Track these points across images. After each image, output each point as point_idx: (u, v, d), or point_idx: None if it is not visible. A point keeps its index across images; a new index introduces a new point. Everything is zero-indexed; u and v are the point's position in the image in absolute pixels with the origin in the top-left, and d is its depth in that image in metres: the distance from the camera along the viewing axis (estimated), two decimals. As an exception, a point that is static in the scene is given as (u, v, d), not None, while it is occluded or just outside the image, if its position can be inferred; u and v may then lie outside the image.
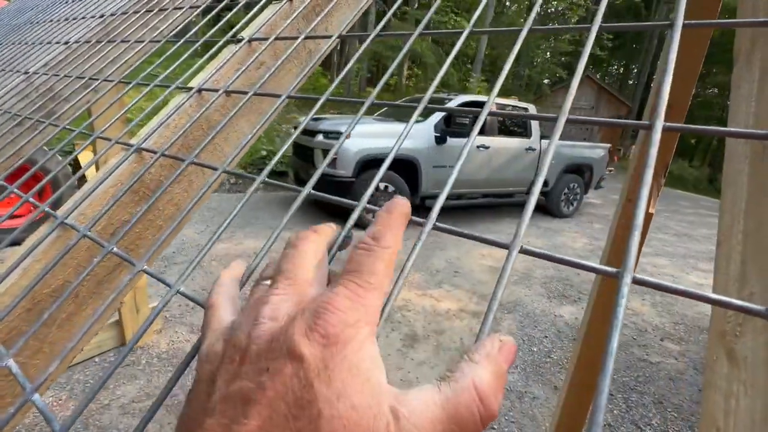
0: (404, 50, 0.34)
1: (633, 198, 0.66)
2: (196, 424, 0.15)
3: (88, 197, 0.39)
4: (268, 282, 0.19)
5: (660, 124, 0.21)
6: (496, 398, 0.15)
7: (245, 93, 0.41)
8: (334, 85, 0.36)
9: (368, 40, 0.37)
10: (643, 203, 0.18)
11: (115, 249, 0.32)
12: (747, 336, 0.23)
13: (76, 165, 3.38)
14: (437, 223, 0.22)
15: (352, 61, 0.38)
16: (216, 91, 0.43)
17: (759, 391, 0.20)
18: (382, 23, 0.37)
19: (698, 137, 20.94)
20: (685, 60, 0.50)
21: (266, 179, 0.30)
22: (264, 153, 5.96)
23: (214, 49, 0.51)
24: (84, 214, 0.39)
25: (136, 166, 0.42)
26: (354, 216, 0.23)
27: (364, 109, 0.32)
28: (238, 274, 0.23)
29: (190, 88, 0.46)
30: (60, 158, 3.01)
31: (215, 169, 0.34)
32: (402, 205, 0.21)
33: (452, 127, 4.40)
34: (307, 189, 0.28)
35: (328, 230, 0.23)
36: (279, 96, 0.38)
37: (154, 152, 0.39)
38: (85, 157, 3.17)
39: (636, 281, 0.17)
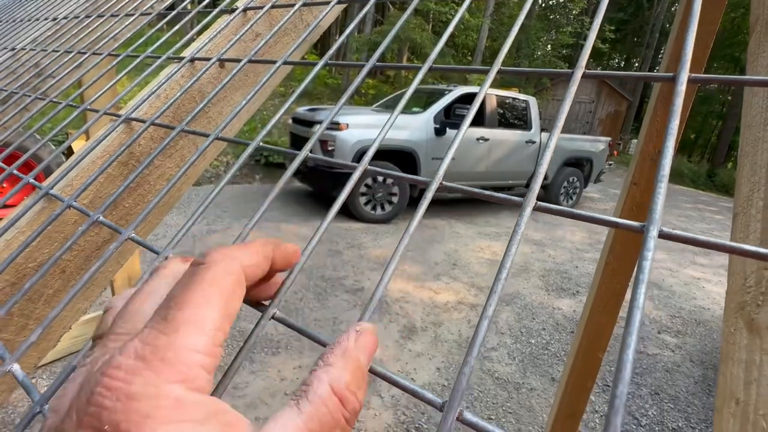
0: (398, 26, 0.32)
1: (639, 182, 0.65)
2: None
3: (74, 168, 0.37)
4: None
5: (685, 75, 0.20)
6: (357, 396, 0.14)
7: (239, 61, 0.39)
8: (332, 49, 0.34)
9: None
10: (669, 153, 0.17)
11: (101, 218, 0.30)
12: (771, 304, 0.21)
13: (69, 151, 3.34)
14: (444, 182, 0.21)
15: (356, 20, 0.36)
16: (209, 59, 0.41)
17: (788, 359, 0.18)
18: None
19: (698, 133, 20.93)
20: (702, 18, 0.49)
21: (260, 143, 0.28)
22: (261, 143, 5.91)
23: (208, 19, 0.49)
24: (71, 186, 0.37)
25: (125, 137, 0.40)
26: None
27: (366, 69, 0.30)
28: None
29: (182, 58, 0.44)
30: (39, 137, 2.95)
31: (206, 135, 0.32)
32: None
33: (451, 118, 4.36)
34: (304, 152, 0.26)
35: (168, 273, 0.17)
36: (274, 62, 0.36)
37: (144, 122, 0.37)
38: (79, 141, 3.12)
39: (663, 235, 0.16)
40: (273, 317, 0.18)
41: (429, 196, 0.20)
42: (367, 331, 0.15)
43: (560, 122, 0.20)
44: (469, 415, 0.14)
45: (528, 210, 0.18)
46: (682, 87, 0.19)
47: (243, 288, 0.15)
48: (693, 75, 0.20)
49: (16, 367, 0.23)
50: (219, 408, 0.12)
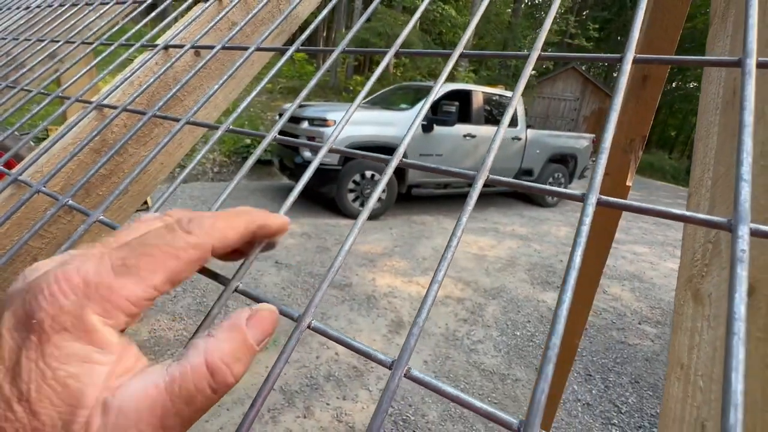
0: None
1: (611, 172, 0.67)
2: None
3: (44, 154, 0.37)
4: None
5: (630, 55, 0.21)
6: (233, 369, 0.14)
7: (213, 48, 0.39)
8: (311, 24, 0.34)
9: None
10: (611, 126, 0.18)
11: (70, 202, 0.30)
12: (712, 274, 0.23)
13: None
14: (404, 160, 0.21)
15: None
16: (183, 47, 0.41)
17: (721, 321, 0.20)
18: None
19: (679, 130, 21.43)
20: (664, 23, 0.51)
21: (231, 127, 0.29)
22: (248, 141, 5.85)
23: (183, 7, 0.48)
24: (41, 172, 0.37)
25: (96, 124, 0.39)
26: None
27: (335, 54, 0.30)
28: None
29: (156, 46, 0.44)
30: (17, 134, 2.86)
31: (177, 120, 0.32)
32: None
33: (439, 115, 4.38)
34: (273, 133, 0.26)
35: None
36: (247, 48, 0.36)
37: (116, 108, 0.37)
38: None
39: (601, 203, 0.17)
40: (236, 290, 0.18)
41: (389, 171, 0.21)
42: (263, 311, 0.16)
43: (517, 96, 0.21)
44: (415, 372, 0.15)
45: (480, 182, 0.19)
46: (627, 66, 0.20)
47: (201, 264, 0.16)
48: (638, 55, 0.21)
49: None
50: (121, 343, 0.14)
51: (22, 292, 0.13)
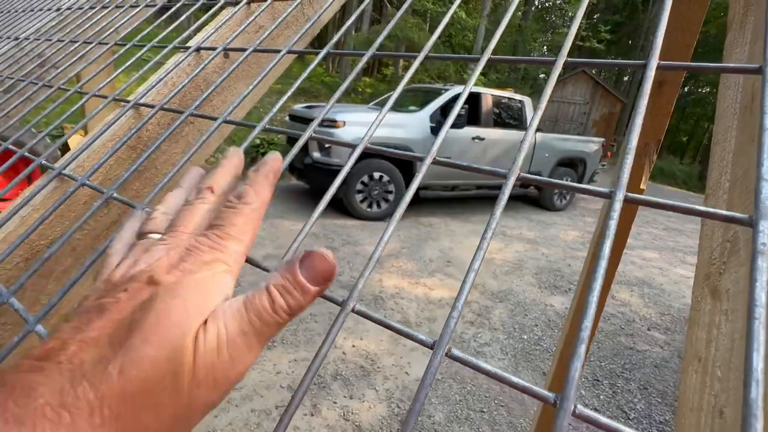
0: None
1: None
2: (55, 331, 0.16)
3: (85, 150, 0.39)
4: (154, 236, 0.21)
5: (654, 61, 0.22)
6: (284, 297, 0.18)
7: (244, 50, 0.40)
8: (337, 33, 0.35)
9: (369, -4, 0.37)
10: (637, 128, 0.19)
11: (115, 194, 0.32)
12: (730, 270, 0.24)
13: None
14: (437, 158, 0.23)
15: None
16: (214, 49, 0.43)
17: (739, 314, 0.21)
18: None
19: (690, 135, 21.16)
20: (680, 30, 0.52)
21: (267, 126, 0.30)
22: (257, 141, 5.90)
23: (212, 12, 0.50)
24: (82, 167, 0.39)
25: (134, 122, 0.41)
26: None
27: (366, 57, 0.32)
28: (138, 224, 0.25)
29: (189, 48, 0.46)
30: (35, 131, 2.92)
31: (214, 119, 0.34)
32: (270, 162, 0.23)
33: (448, 118, 4.38)
34: (309, 132, 0.28)
35: (222, 183, 0.24)
36: (279, 51, 0.38)
37: (152, 107, 0.39)
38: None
39: (628, 199, 0.18)
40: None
41: (423, 169, 0.22)
42: (316, 254, 0.19)
43: (544, 102, 0.22)
44: (456, 352, 0.16)
45: (512, 179, 0.20)
46: (651, 72, 0.21)
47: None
48: (662, 62, 0.22)
49: (39, 327, 0.25)
50: (226, 291, 0.19)
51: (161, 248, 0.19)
